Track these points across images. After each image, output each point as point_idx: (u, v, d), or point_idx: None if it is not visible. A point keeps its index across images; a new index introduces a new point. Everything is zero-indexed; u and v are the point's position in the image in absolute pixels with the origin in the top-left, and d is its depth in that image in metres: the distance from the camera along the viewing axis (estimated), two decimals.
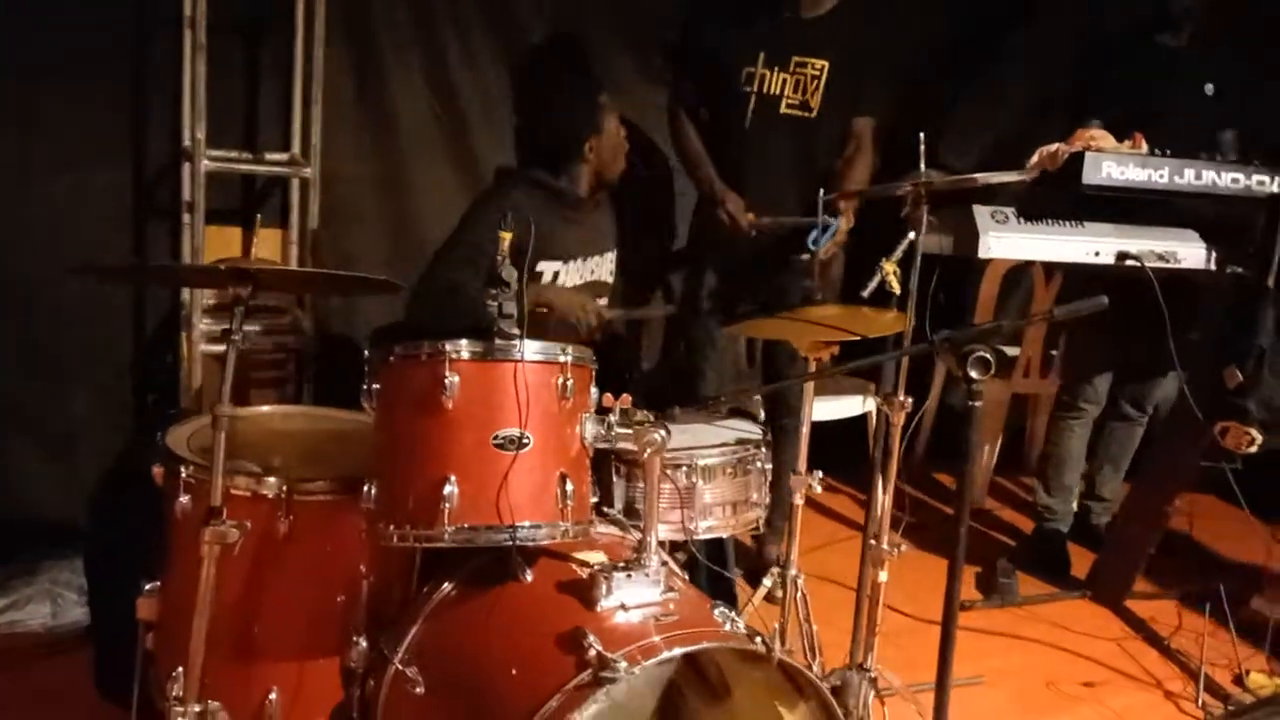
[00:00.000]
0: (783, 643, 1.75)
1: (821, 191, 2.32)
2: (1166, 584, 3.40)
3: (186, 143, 3.17)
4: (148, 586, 1.98)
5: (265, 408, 2.25)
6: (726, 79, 2.91)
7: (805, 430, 2.37)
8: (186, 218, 3.21)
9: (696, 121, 3.02)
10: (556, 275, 2.62)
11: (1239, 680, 2.86)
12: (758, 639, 1.73)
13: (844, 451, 3.67)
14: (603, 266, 2.76)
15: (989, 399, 4.08)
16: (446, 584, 1.96)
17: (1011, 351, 4.04)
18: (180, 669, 1.87)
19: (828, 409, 3.52)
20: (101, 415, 3.23)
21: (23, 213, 3.02)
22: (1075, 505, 3.64)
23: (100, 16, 3.01)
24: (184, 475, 1.87)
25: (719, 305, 3.02)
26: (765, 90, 2.90)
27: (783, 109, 2.91)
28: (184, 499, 1.86)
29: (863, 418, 3.77)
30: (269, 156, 3.32)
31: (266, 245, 3.44)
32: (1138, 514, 3.22)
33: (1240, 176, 2.69)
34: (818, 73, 2.88)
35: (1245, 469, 2.77)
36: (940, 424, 4.29)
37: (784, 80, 2.87)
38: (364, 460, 1.98)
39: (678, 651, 1.67)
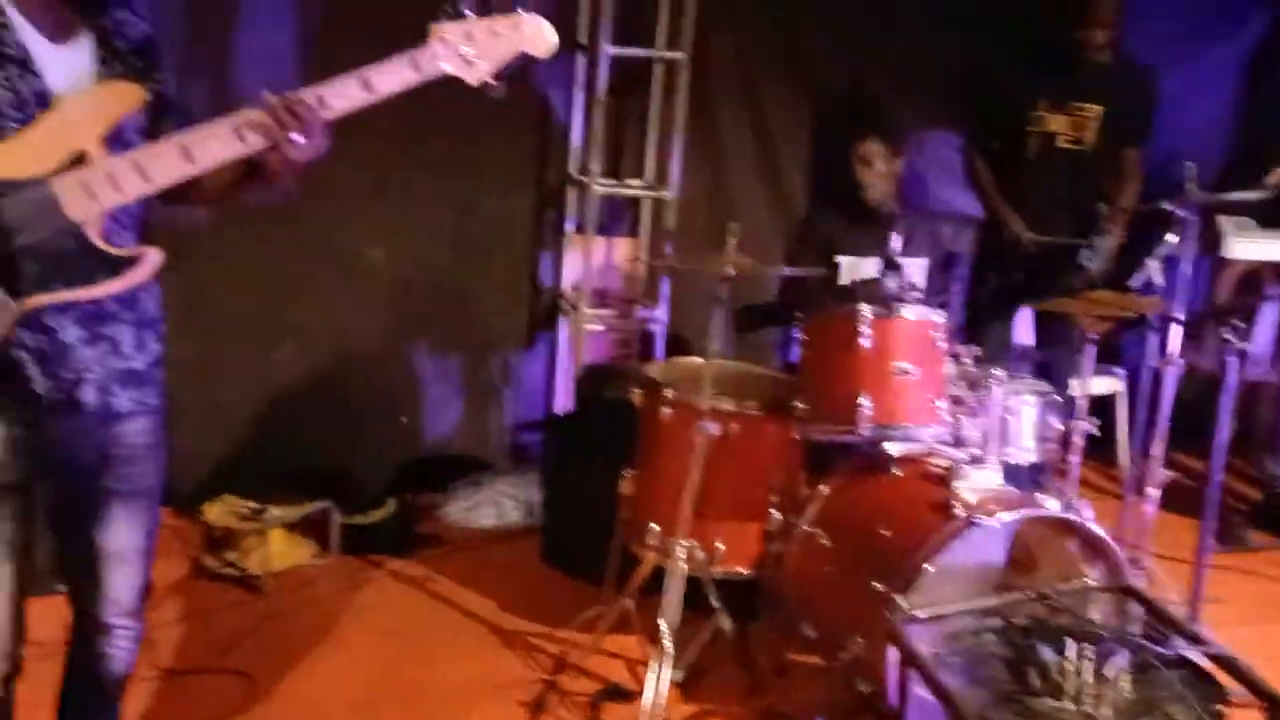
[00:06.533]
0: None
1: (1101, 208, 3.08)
2: None
3: (572, 171, 4.21)
4: (627, 473, 2.94)
5: (697, 359, 3.19)
6: (1014, 120, 3.64)
7: (1082, 390, 3.12)
8: (569, 229, 4.25)
9: (985, 157, 3.79)
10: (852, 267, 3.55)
11: None
12: (1070, 512, 2.51)
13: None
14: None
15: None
16: (828, 481, 2.83)
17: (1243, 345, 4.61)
18: (653, 525, 2.81)
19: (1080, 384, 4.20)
20: (504, 378, 4.30)
21: (464, 229, 4.10)
22: None
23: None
24: (667, 396, 2.81)
25: (1000, 301, 3.77)
26: (1046, 129, 3.63)
27: (1060, 143, 3.63)
28: (666, 410, 2.80)
29: (1111, 405, 4.43)
30: (630, 182, 4.31)
31: (620, 249, 4.46)
32: None
33: None
34: (1093, 115, 3.60)
35: None
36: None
37: (1062, 120, 3.61)
38: (771, 390, 2.88)
39: (1019, 514, 2.48)
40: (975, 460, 2.61)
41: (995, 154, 3.74)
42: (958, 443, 2.86)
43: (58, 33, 1.65)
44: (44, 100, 1.62)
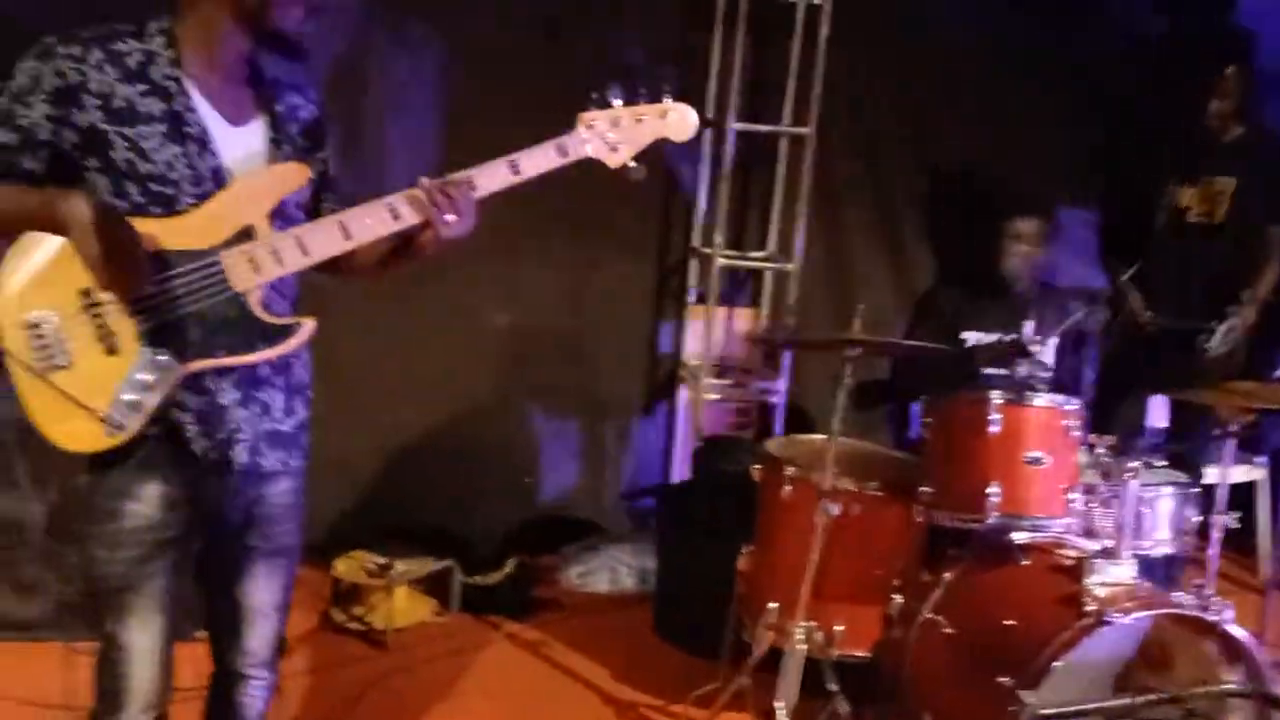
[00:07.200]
0: None
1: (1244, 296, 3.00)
2: None
3: (695, 243, 4.26)
4: (745, 549, 2.92)
5: (818, 436, 3.17)
6: (1145, 195, 3.59)
7: (1221, 481, 2.99)
8: (690, 299, 4.30)
9: (1111, 236, 3.72)
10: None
11: None
12: (1208, 612, 2.40)
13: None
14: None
15: None
16: (951, 567, 2.77)
17: None
18: (771, 604, 2.78)
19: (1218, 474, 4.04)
20: (621, 444, 4.34)
21: (587, 296, 4.18)
22: None
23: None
24: (788, 473, 2.80)
25: (1129, 383, 3.67)
26: (1175, 204, 3.55)
27: (1191, 218, 3.54)
28: (787, 488, 2.79)
29: (1250, 494, 4.24)
30: (753, 254, 4.35)
31: (740, 320, 4.49)
32: None
33: None
34: (1224, 189, 3.51)
35: None
36: None
37: (1193, 195, 3.52)
38: (893, 471, 2.84)
39: (1153, 612, 2.38)
40: (1107, 552, 2.51)
41: (1127, 230, 3.68)
42: (1089, 533, 2.77)
43: (236, 115, 1.77)
44: (219, 177, 1.73)
